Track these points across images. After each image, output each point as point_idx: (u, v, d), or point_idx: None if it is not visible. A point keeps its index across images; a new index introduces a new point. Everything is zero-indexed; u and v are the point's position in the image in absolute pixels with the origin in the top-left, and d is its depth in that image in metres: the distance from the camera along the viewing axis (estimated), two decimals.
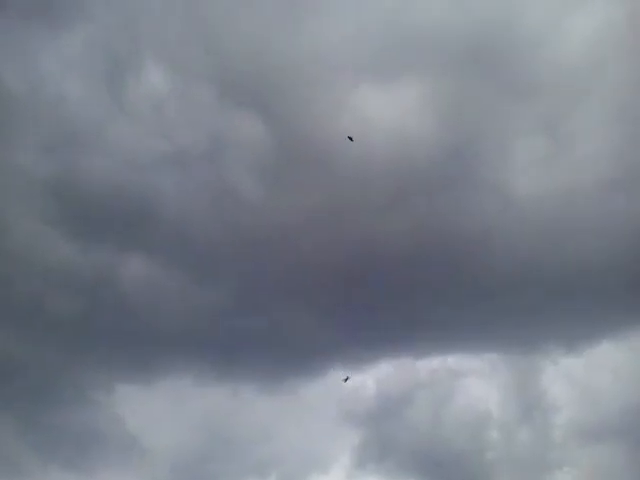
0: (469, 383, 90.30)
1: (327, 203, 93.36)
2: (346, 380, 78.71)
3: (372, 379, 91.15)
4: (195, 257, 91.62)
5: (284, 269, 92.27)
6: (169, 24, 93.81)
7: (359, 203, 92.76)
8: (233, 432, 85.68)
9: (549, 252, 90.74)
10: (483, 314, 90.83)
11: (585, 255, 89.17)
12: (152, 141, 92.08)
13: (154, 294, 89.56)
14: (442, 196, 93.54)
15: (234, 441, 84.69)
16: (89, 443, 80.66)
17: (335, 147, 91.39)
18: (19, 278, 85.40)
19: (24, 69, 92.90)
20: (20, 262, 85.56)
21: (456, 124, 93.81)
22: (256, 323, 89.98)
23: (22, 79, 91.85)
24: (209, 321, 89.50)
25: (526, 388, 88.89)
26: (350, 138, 74.99)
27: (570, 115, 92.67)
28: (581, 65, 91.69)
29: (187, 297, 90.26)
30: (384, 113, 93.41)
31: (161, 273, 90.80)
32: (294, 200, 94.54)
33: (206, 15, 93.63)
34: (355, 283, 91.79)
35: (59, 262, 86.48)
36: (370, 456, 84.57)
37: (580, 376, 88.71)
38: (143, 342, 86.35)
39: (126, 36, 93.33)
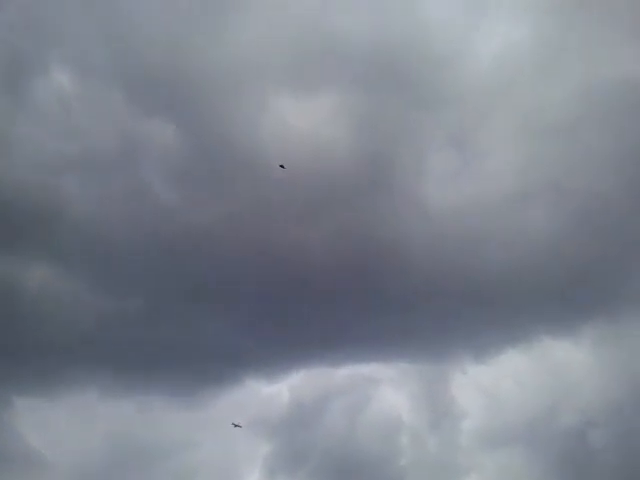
0: (382, 391, 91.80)
1: (246, 208, 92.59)
2: (236, 426, 79.84)
3: (286, 387, 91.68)
4: (101, 263, 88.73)
5: (198, 277, 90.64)
6: (75, 23, 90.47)
7: (279, 208, 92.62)
8: (143, 445, 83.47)
9: (459, 263, 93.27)
10: (397, 324, 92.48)
11: (492, 266, 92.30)
12: (58, 144, 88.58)
13: (56, 303, 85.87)
14: (358, 205, 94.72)
15: (144, 454, 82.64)
16: None
17: (254, 152, 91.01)
18: None
19: None
20: None
21: (370, 135, 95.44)
22: (166, 333, 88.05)
23: None
24: (115, 331, 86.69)
25: (436, 396, 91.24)
26: (282, 166, 77.36)
27: (478, 130, 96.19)
28: (487, 82, 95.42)
29: (91, 306, 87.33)
30: (302, 121, 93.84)
31: (63, 281, 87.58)
32: (211, 204, 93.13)
33: (116, 16, 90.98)
34: (271, 292, 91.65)
35: None
36: (281, 466, 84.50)
37: (487, 384, 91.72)
38: (44, 354, 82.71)
39: (29, 35, 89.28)
